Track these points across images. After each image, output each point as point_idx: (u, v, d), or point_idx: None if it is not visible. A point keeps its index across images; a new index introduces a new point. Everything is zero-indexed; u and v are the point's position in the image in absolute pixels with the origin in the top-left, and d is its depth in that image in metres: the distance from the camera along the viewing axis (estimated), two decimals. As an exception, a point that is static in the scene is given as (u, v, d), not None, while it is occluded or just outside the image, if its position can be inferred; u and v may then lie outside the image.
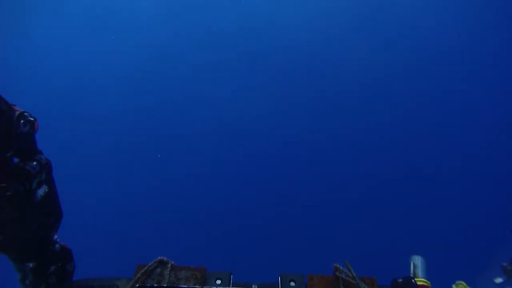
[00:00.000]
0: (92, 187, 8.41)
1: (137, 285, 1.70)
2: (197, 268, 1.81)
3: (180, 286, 1.71)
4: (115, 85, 9.47)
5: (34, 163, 1.38)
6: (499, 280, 5.65)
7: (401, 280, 1.69)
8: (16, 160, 1.34)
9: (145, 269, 1.77)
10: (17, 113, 1.29)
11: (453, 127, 9.35)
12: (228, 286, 1.74)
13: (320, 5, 9.95)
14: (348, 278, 1.71)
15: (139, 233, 8.05)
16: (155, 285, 1.71)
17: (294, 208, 8.66)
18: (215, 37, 9.98)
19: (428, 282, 1.73)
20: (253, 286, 1.81)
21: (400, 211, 8.59)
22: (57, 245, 1.66)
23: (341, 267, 1.76)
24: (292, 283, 1.75)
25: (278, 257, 7.57)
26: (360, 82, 9.65)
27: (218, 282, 1.75)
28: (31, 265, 1.54)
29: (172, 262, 1.81)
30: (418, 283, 1.67)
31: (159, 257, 1.81)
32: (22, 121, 1.30)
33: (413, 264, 1.80)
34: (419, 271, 1.76)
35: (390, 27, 9.89)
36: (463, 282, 1.88)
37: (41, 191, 1.44)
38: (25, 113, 1.32)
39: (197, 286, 1.72)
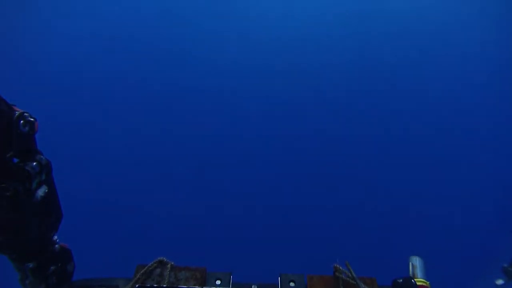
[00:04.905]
0: (92, 187, 8.42)
1: (136, 286, 1.70)
2: (197, 268, 1.81)
3: (180, 286, 1.71)
4: (114, 85, 9.48)
5: (34, 163, 1.38)
6: (500, 281, 5.66)
7: (401, 280, 1.69)
8: (16, 160, 1.34)
9: (144, 269, 1.77)
10: (17, 113, 1.29)
11: (453, 127, 9.35)
12: (228, 286, 1.74)
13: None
14: (348, 279, 1.72)
15: (139, 233, 8.06)
16: (155, 285, 1.71)
17: (294, 208, 8.66)
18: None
19: (427, 282, 1.74)
20: (252, 286, 1.81)
21: (400, 211, 8.59)
22: (57, 246, 1.66)
23: (341, 268, 1.76)
24: (292, 283, 1.76)
25: (278, 257, 7.57)
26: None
27: (218, 282, 1.76)
28: (31, 265, 1.55)
29: (172, 263, 1.82)
30: (418, 283, 1.68)
31: (159, 258, 1.82)
32: (22, 121, 1.30)
33: (412, 264, 1.81)
34: (418, 272, 1.77)
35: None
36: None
37: (41, 191, 1.44)
38: (25, 114, 1.32)
39: (197, 287, 1.72)
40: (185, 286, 1.71)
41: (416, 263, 1.81)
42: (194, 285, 1.73)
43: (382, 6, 10.11)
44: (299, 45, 10.06)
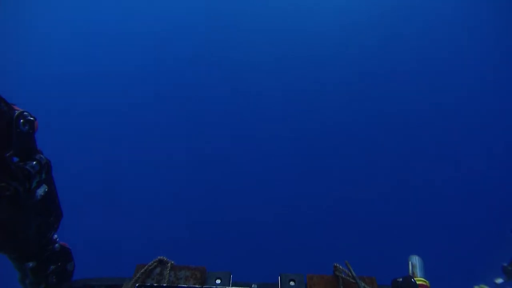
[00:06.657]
0: (91, 186, 8.41)
1: (136, 285, 1.70)
2: (197, 267, 1.81)
3: (179, 286, 1.71)
4: (113, 85, 9.47)
5: (34, 162, 1.38)
6: (499, 280, 5.65)
7: (401, 279, 1.69)
8: (15, 159, 1.34)
9: (144, 268, 1.77)
10: (17, 112, 1.28)
11: (452, 128, 9.34)
12: (228, 286, 1.73)
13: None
14: (348, 278, 1.71)
15: (139, 233, 8.05)
16: (155, 284, 1.71)
17: (294, 208, 8.66)
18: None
19: (427, 281, 1.73)
20: (252, 285, 1.81)
21: (400, 211, 8.59)
22: (56, 245, 1.66)
23: (340, 267, 1.75)
24: (292, 283, 1.75)
25: (278, 257, 7.57)
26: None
27: (218, 281, 1.75)
28: (31, 264, 1.54)
29: (172, 262, 1.81)
30: (417, 282, 1.67)
31: (158, 257, 1.81)
32: (21, 120, 1.30)
33: (411, 263, 1.80)
34: (418, 271, 1.77)
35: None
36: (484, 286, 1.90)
37: (41, 190, 1.44)
38: (25, 113, 1.32)
39: (197, 286, 1.72)
40: (185, 285, 1.71)
41: (415, 263, 1.81)
42: (194, 284, 1.72)
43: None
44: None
